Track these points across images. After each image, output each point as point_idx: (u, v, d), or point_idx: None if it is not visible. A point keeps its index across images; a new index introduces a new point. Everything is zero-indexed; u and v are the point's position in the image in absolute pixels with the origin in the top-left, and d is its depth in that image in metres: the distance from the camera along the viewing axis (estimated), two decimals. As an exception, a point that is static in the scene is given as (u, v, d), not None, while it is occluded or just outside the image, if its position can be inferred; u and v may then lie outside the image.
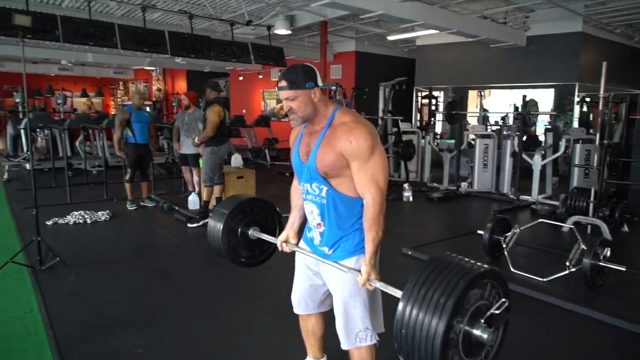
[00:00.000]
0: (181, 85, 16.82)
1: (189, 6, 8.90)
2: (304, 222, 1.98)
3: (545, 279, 3.36)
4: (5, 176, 7.86)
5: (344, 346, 1.80)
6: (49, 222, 5.01)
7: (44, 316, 2.80)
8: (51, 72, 17.25)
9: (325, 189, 1.73)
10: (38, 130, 9.37)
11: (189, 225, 5.08)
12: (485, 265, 1.31)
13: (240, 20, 9.60)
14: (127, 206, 5.84)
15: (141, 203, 6.00)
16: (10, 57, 14.92)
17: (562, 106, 10.12)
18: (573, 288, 3.30)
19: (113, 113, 14.99)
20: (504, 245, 3.72)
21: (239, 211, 2.18)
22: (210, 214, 2.34)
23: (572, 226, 3.79)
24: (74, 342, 2.52)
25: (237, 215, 2.17)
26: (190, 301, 3.17)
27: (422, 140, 8.23)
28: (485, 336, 1.27)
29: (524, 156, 6.45)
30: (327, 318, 2.01)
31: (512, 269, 3.56)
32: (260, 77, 13.98)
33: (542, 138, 9.05)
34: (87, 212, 5.32)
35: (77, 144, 8.93)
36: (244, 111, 14.45)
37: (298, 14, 9.41)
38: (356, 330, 1.77)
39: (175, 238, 4.78)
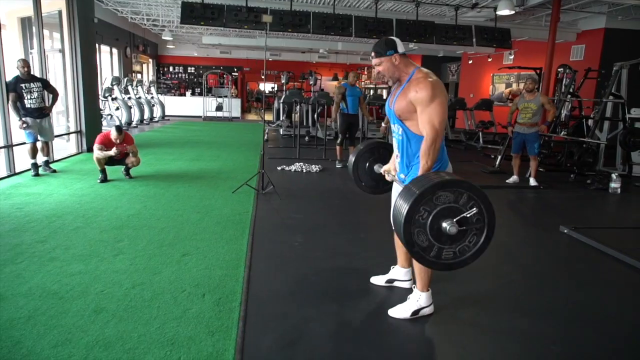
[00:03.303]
0: (415, 69, 17.80)
1: (417, -6, 9.64)
2: None
3: None
4: (265, 137, 10.48)
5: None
6: (279, 168, 6.78)
7: (252, 215, 4.23)
8: (313, 59, 20.87)
9: (401, 129, 2.33)
10: (294, 104, 11.87)
11: None
12: (464, 179, 1.76)
13: (467, 4, 9.83)
14: (336, 165, 7.22)
15: (346, 164, 7.27)
16: (284, 48, 18.80)
17: None
18: None
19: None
20: (675, 237, 3.30)
21: (368, 149, 2.96)
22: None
23: None
24: (263, 231, 3.81)
25: (367, 152, 2.96)
26: (344, 225, 4.14)
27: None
28: (451, 229, 1.74)
29: None
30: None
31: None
32: (490, 60, 13.68)
33: None
34: (305, 164, 6.91)
35: (315, 116, 11.01)
36: (471, 95, 14.46)
37: (530, -9, 9.02)
38: None
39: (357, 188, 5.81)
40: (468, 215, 1.76)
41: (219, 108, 16.50)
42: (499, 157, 7.46)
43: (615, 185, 5.87)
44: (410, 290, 2.65)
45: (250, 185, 5.20)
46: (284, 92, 13.32)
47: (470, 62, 14.49)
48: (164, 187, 5.31)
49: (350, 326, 2.36)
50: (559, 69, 9.12)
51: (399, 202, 1.84)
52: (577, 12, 10.42)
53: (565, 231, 4.03)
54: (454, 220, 1.77)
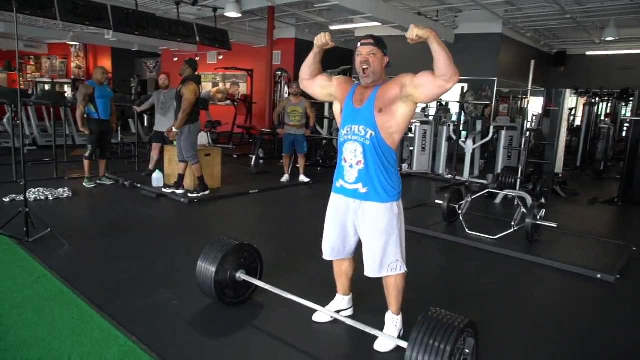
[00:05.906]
0: (105, 63, 15.85)
1: (131, -20, 8.60)
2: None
3: (494, 237, 4.08)
4: None
5: (374, 274, 2.23)
6: (7, 199, 4.79)
7: (62, 280, 2.88)
8: (-52, 41, 15.30)
9: (371, 132, 2.12)
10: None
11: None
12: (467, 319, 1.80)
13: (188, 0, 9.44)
14: (85, 184, 5.71)
15: (98, 181, 5.88)
16: None
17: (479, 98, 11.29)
18: (516, 243, 4.03)
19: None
20: (459, 212, 4.40)
21: (229, 255, 2.57)
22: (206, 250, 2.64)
23: (516, 198, 4.59)
24: (109, 302, 2.63)
25: (227, 258, 2.56)
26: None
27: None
28: None
29: (460, 142, 7.33)
30: (357, 260, 2.44)
31: (467, 230, 4.25)
32: (197, 59, 13.70)
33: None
34: (47, 189, 5.15)
35: (4, 121, 8.29)
36: (177, 93, 14.10)
37: (245, -4, 9.47)
38: (389, 262, 2.21)
39: (150, 211, 4.84)
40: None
41: None
42: (254, 158, 7.71)
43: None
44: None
45: (5, 234, 3.49)
46: None
47: (176, 59, 14.04)
48: None
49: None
50: (277, 72, 10.11)
51: None
52: (275, 21, 11.76)
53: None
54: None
